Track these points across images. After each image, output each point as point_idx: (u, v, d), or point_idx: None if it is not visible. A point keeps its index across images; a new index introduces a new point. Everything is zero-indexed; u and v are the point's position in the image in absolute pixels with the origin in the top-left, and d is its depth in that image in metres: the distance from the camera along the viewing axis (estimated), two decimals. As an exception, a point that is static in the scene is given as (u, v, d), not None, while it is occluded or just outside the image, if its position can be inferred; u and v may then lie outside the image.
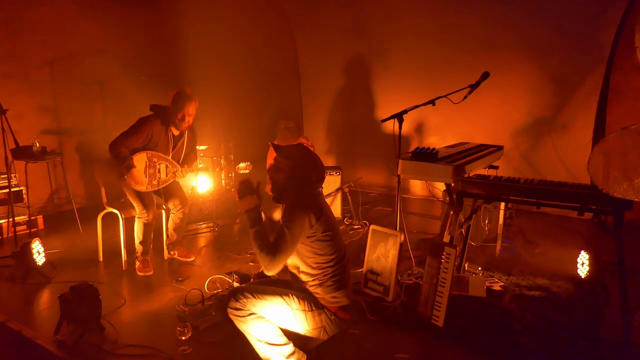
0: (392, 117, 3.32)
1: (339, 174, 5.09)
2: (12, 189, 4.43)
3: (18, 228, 4.57)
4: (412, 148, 3.98)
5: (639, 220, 4.55)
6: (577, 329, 2.76)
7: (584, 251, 3.44)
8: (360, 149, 6.68)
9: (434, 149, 3.08)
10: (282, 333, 2.29)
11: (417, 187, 6.23)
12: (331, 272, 2.32)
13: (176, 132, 3.74)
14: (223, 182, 5.62)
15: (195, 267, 3.92)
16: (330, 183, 5.05)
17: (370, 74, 6.43)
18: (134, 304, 3.22)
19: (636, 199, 2.34)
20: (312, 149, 5.00)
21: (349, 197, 5.07)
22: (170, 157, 3.74)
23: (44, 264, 3.62)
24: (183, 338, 2.54)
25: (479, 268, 3.66)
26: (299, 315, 2.30)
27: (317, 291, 2.33)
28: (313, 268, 2.32)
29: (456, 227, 3.09)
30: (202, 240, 4.64)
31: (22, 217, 4.65)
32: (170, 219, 3.94)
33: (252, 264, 3.88)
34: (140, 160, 3.59)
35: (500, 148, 3.81)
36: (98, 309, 2.75)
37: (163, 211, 3.99)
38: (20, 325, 2.89)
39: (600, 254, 3.44)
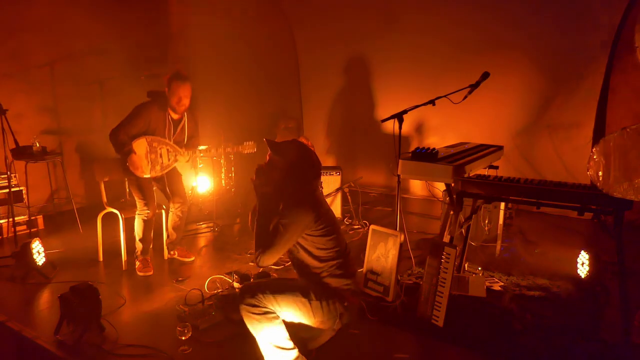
0: (392, 117, 3.31)
1: (339, 174, 5.09)
2: (12, 189, 4.43)
3: (18, 228, 4.57)
4: (412, 148, 3.98)
5: (639, 220, 4.54)
6: (577, 329, 2.76)
7: (584, 251, 3.44)
8: (360, 149, 6.68)
9: (434, 149, 3.08)
10: (290, 337, 2.29)
11: (417, 187, 6.23)
12: (336, 263, 2.37)
13: (175, 116, 3.71)
14: (223, 182, 5.62)
15: (195, 267, 3.92)
16: (330, 183, 5.05)
17: (370, 74, 6.42)
18: (134, 304, 3.22)
19: (636, 199, 2.34)
20: (312, 149, 5.02)
21: (349, 197, 5.07)
22: (171, 142, 3.73)
23: (44, 264, 3.62)
24: (183, 338, 2.54)
25: (479, 268, 3.66)
26: (316, 305, 2.31)
27: (329, 281, 2.37)
28: (320, 261, 2.35)
29: (456, 227, 3.09)
30: (202, 240, 4.64)
31: (22, 217, 4.65)
32: (169, 217, 3.95)
33: (252, 264, 3.88)
34: (140, 145, 3.59)
35: (500, 148, 3.81)
36: (98, 309, 2.75)
37: (163, 211, 3.99)
38: (20, 325, 2.89)
39: (600, 254, 3.43)
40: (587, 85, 4.88)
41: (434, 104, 3.33)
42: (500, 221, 3.99)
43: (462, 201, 3.04)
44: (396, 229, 3.24)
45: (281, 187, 2.39)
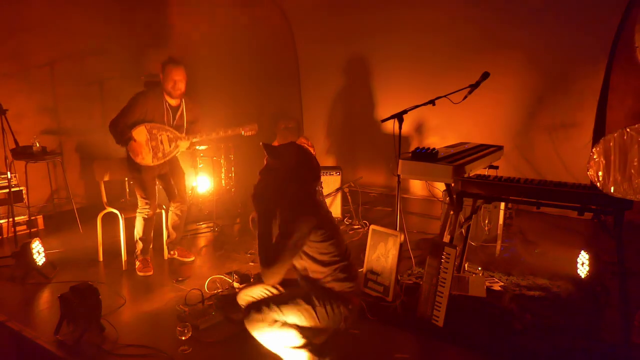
0: (392, 117, 3.31)
1: (339, 174, 5.09)
2: (12, 189, 4.43)
3: (18, 228, 4.57)
4: (412, 148, 3.98)
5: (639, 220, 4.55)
6: (577, 329, 2.76)
7: (584, 251, 3.44)
8: (360, 149, 6.68)
9: (434, 149, 3.08)
10: (300, 335, 2.31)
11: (417, 187, 6.23)
12: (339, 266, 2.35)
13: (173, 102, 3.69)
14: (223, 182, 5.62)
15: (195, 267, 3.92)
16: (330, 183, 5.05)
17: (370, 73, 6.43)
18: (134, 304, 3.22)
19: (636, 199, 2.34)
20: (312, 149, 5.01)
21: (349, 197, 5.07)
22: (172, 128, 3.72)
23: (44, 264, 3.62)
24: (183, 338, 2.54)
25: (479, 268, 3.66)
26: (321, 311, 2.31)
27: (333, 285, 2.36)
28: (324, 265, 2.33)
29: (456, 227, 3.09)
30: (202, 240, 4.64)
31: (22, 217, 4.65)
32: (169, 216, 3.95)
33: (252, 264, 3.88)
34: (140, 133, 3.58)
35: (500, 148, 3.81)
36: (98, 309, 2.74)
37: (163, 211, 3.99)
38: (20, 325, 2.89)
39: (600, 254, 3.43)
40: (587, 85, 4.88)
41: (434, 104, 3.33)
42: (500, 221, 3.99)
43: (462, 201, 3.04)
44: (396, 229, 3.24)
45: (280, 192, 2.37)
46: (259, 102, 6.66)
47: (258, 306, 2.32)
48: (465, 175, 3.02)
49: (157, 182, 3.88)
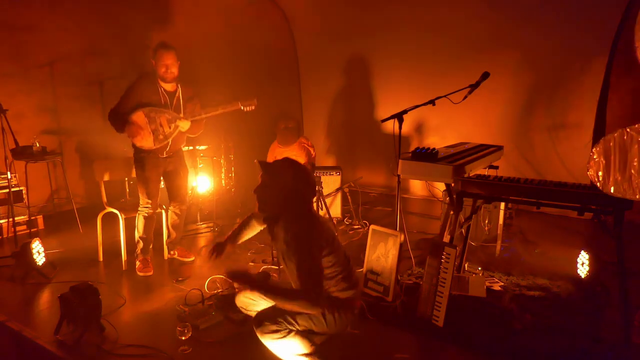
0: (392, 117, 3.31)
1: (339, 174, 5.09)
2: (12, 189, 4.43)
3: (18, 228, 4.57)
4: (412, 148, 3.98)
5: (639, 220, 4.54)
6: (577, 329, 2.76)
7: (584, 251, 3.44)
8: (360, 149, 6.68)
9: (434, 149, 3.08)
10: (310, 343, 2.32)
11: (417, 187, 6.23)
12: (342, 277, 2.36)
13: (168, 87, 3.67)
14: (223, 182, 5.62)
15: (195, 267, 3.92)
16: (330, 183, 5.05)
17: (371, 74, 6.43)
18: (134, 304, 3.22)
19: (636, 199, 2.34)
20: (311, 149, 5.01)
21: (349, 197, 5.07)
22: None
23: (44, 264, 3.62)
24: (183, 338, 2.54)
25: (479, 268, 3.66)
26: (330, 319, 2.33)
27: (338, 295, 2.37)
28: (328, 279, 2.33)
29: (456, 227, 3.09)
30: (202, 240, 4.64)
31: (22, 217, 4.65)
32: (168, 216, 3.95)
33: (252, 264, 3.88)
34: (138, 118, 3.56)
35: (500, 148, 3.81)
36: (98, 309, 2.74)
37: (163, 211, 3.99)
38: (20, 325, 2.89)
39: (600, 254, 3.44)
40: (587, 85, 4.88)
41: (434, 104, 3.33)
42: (500, 221, 3.99)
43: (462, 201, 3.04)
44: (396, 229, 3.24)
45: (277, 209, 2.35)
46: (259, 102, 6.66)
47: (273, 317, 2.29)
48: (465, 175, 3.02)
49: (162, 181, 3.87)
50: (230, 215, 5.32)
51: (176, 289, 3.45)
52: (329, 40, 6.58)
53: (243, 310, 2.71)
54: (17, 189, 4.55)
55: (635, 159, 2.31)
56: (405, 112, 3.32)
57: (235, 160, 5.71)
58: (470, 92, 3.42)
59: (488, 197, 3.22)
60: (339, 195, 5.07)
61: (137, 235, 3.78)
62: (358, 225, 4.88)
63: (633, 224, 4.49)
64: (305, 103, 7.27)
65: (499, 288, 3.32)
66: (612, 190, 2.38)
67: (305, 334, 2.32)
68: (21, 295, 3.37)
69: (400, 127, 3.31)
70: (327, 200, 4.85)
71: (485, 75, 3.37)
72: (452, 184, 3.05)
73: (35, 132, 4.76)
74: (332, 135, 6.99)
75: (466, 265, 3.62)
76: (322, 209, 4.65)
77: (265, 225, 2.55)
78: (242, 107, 3.80)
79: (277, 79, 6.85)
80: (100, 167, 3.91)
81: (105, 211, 3.91)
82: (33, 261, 3.52)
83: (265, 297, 2.33)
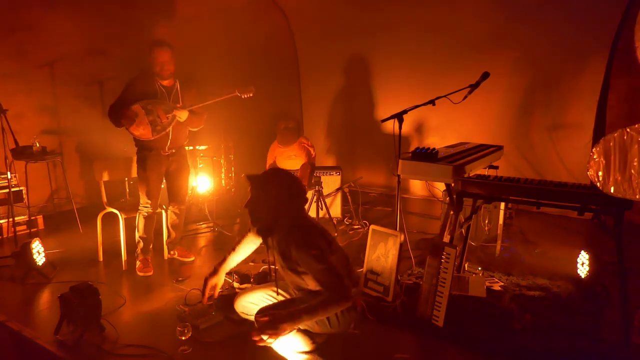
0: (392, 117, 3.31)
1: (339, 174, 5.09)
2: (12, 189, 4.43)
3: (18, 228, 4.57)
4: (412, 148, 3.98)
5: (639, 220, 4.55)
6: (577, 329, 2.76)
7: (584, 251, 3.44)
8: (360, 149, 6.68)
9: (434, 149, 3.08)
10: (311, 341, 2.32)
11: (417, 187, 6.23)
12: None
13: (166, 83, 3.67)
14: (223, 182, 5.62)
15: (195, 267, 3.92)
16: (330, 183, 5.05)
17: (371, 73, 6.43)
18: (134, 304, 3.22)
19: (636, 199, 2.34)
20: (311, 149, 5.01)
21: (349, 197, 5.07)
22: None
23: (44, 264, 3.62)
24: (183, 338, 2.54)
25: (479, 268, 3.66)
26: (334, 320, 2.34)
27: None
28: None
29: (456, 227, 3.09)
30: (202, 240, 4.64)
31: (22, 217, 4.65)
32: (168, 216, 3.95)
33: (252, 263, 3.88)
34: (136, 110, 3.54)
35: (500, 148, 3.81)
36: (98, 309, 2.74)
37: (163, 211, 3.99)
38: (20, 325, 2.89)
39: (600, 254, 3.44)
40: (587, 85, 4.88)
41: (434, 104, 3.33)
42: (500, 221, 3.99)
43: (462, 201, 3.04)
44: (396, 229, 3.24)
45: (272, 222, 2.36)
46: (259, 102, 6.66)
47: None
48: (465, 175, 3.02)
49: (165, 181, 3.87)
50: (230, 215, 5.32)
51: (176, 289, 3.45)
52: (329, 40, 6.58)
53: (243, 315, 2.70)
54: (17, 189, 4.55)
55: (635, 159, 2.31)
56: (405, 112, 3.32)
57: (235, 160, 5.72)
58: (470, 92, 3.42)
59: (488, 197, 3.22)
60: (339, 195, 5.07)
61: (137, 235, 3.78)
62: (358, 225, 4.88)
63: (633, 224, 4.51)
64: (305, 103, 7.26)
65: (499, 288, 3.32)
66: (612, 190, 2.38)
67: (308, 332, 2.32)
68: (21, 295, 3.37)
69: (400, 127, 3.31)
70: (327, 200, 4.85)
71: (485, 75, 3.37)
72: (452, 184, 3.05)
73: (35, 132, 4.76)
74: (332, 135, 6.99)
75: (466, 265, 3.62)
76: (322, 209, 4.65)
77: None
78: (239, 94, 3.76)
79: (277, 78, 6.85)
80: (100, 167, 3.91)
81: (105, 211, 3.91)
82: (33, 261, 3.52)
83: (303, 322, 2.25)
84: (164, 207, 3.99)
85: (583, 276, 3.37)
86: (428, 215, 5.37)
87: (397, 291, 3.14)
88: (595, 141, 5.04)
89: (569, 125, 5.10)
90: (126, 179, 4.97)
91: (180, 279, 3.61)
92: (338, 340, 2.47)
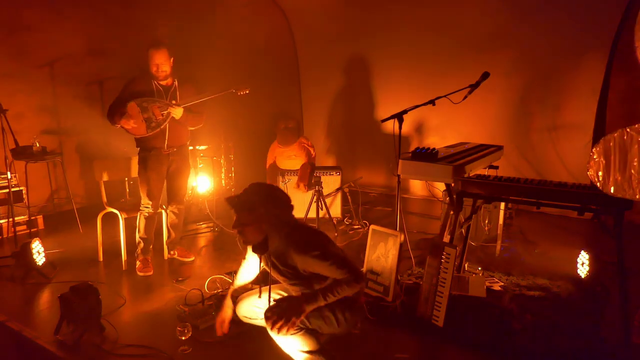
0: (392, 117, 3.31)
1: (339, 174, 5.09)
2: (12, 189, 4.43)
3: (18, 228, 4.57)
4: (412, 148, 3.98)
5: (639, 220, 4.55)
6: (577, 329, 2.76)
7: (584, 251, 3.44)
8: (360, 149, 6.68)
9: (434, 149, 3.08)
10: (317, 341, 2.33)
11: (417, 187, 6.23)
12: None
13: (164, 82, 3.66)
14: (223, 182, 5.62)
15: (195, 267, 3.92)
16: (330, 183, 5.04)
17: (371, 73, 6.43)
18: (134, 304, 3.22)
19: (636, 199, 2.34)
20: (311, 149, 5.02)
21: (349, 197, 5.07)
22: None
23: (44, 264, 3.62)
24: (183, 338, 2.54)
25: (479, 268, 3.66)
26: (341, 318, 2.34)
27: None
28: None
29: (456, 227, 3.09)
30: (202, 240, 4.64)
31: (22, 217, 4.66)
32: (167, 216, 3.95)
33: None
34: (131, 109, 3.54)
35: (500, 148, 3.81)
36: (98, 309, 2.75)
37: (163, 211, 3.99)
38: (20, 325, 2.89)
39: (600, 254, 3.44)
40: (587, 85, 4.88)
41: (434, 104, 3.33)
42: (500, 221, 3.99)
43: (462, 201, 3.04)
44: (396, 229, 3.24)
45: (263, 238, 2.38)
46: (259, 102, 6.66)
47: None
48: (465, 175, 3.02)
49: (165, 181, 3.86)
50: (230, 215, 5.29)
51: (176, 289, 3.45)
52: (329, 40, 6.58)
53: (246, 320, 2.67)
54: (17, 189, 4.55)
55: (635, 159, 2.31)
56: (405, 112, 3.32)
57: (235, 160, 5.72)
58: (470, 92, 3.42)
59: (488, 197, 3.22)
60: (339, 195, 5.07)
61: (137, 236, 3.79)
62: (358, 225, 4.88)
63: (633, 224, 4.50)
64: (305, 103, 7.27)
65: (499, 288, 3.32)
66: (612, 190, 2.38)
67: (314, 332, 2.32)
68: (21, 295, 3.38)
69: (400, 127, 3.31)
70: (327, 200, 4.85)
71: (485, 75, 3.37)
72: (452, 184, 3.05)
73: (35, 132, 4.76)
74: (332, 135, 6.99)
75: (466, 265, 3.62)
76: (322, 209, 4.65)
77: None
78: (234, 91, 3.78)
79: (277, 78, 6.85)
80: (100, 167, 3.91)
81: (105, 211, 3.92)
82: (33, 261, 3.52)
83: (317, 305, 2.26)
84: (163, 207, 3.99)
85: (583, 276, 3.37)
86: (428, 215, 5.37)
87: (397, 291, 3.14)
88: (595, 141, 5.04)
89: (568, 125, 5.10)
90: (126, 179, 4.97)
91: (180, 279, 3.61)
92: (338, 340, 2.48)
